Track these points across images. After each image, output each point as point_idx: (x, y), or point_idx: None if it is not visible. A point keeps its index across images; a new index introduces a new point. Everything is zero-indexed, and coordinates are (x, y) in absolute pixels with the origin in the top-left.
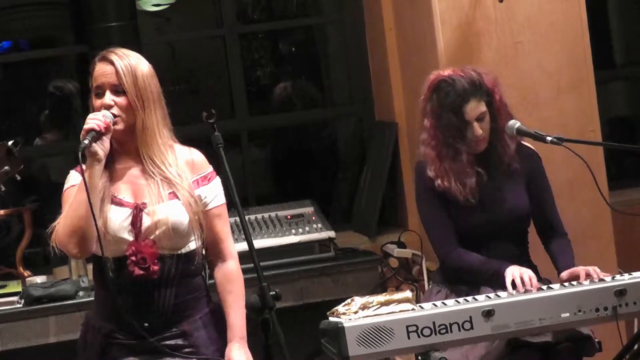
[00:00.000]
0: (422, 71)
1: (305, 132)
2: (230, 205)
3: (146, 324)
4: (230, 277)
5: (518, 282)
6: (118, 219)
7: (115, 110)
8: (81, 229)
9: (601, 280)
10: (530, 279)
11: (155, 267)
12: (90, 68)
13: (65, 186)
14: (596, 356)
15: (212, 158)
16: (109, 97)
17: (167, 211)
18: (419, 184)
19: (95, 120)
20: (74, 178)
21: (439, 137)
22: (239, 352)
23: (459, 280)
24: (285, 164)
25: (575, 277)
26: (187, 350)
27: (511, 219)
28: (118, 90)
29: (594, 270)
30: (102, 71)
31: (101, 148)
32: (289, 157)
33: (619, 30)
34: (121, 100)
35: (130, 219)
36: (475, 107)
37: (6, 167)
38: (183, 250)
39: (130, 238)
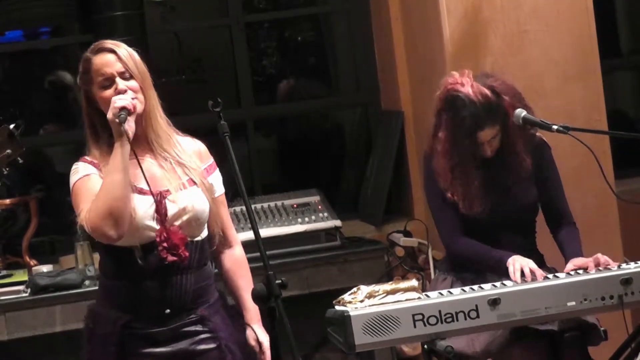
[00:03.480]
0: (428, 60)
1: (311, 121)
2: (237, 194)
3: (167, 311)
4: (240, 262)
5: (518, 275)
6: (142, 207)
7: (131, 94)
8: (117, 210)
9: (607, 268)
10: (532, 271)
11: (186, 253)
12: (83, 66)
13: (77, 177)
14: (602, 345)
15: (218, 147)
16: (122, 83)
17: (191, 198)
18: (427, 173)
19: (124, 99)
20: (84, 168)
21: (451, 155)
22: (264, 333)
23: (465, 269)
24: (291, 153)
25: (584, 268)
26: (205, 336)
27: (519, 211)
28: (125, 76)
29: (604, 259)
30: (105, 61)
31: (130, 128)
32: (295, 146)
33: (625, 19)
34: (132, 83)
35: (154, 206)
36: (489, 132)
37: (8, 150)
38: (200, 237)
39: (156, 225)
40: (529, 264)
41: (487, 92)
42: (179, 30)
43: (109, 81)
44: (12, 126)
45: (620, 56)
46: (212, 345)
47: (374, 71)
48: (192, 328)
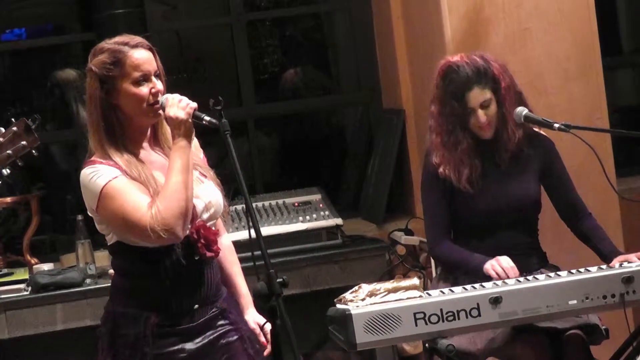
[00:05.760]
0: (430, 59)
1: (312, 119)
2: (238, 192)
3: (196, 306)
4: (230, 250)
5: (498, 271)
6: None
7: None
8: (188, 210)
9: (609, 267)
10: (505, 270)
11: (220, 249)
12: (114, 57)
13: (105, 179)
14: (604, 343)
15: (219, 145)
16: (159, 84)
17: (211, 193)
18: (425, 172)
19: (190, 101)
20: (109, 171)
21: (442, 125)
22: (260, 316)
23: None
24: (292, 152)
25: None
26: (228, 328)
27: (519, 207)
28: (157, 75)
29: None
30: (145, 58)
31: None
32: (296, 145)
33: (626, 17)
34: (160, 85)
35: None
36: (479, 95)
37: (24, 142)
38: None
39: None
40: (504, 261)
41: (475, 57)
42: (180, 28)
43: (146, 77)
44: (29, 120)
45: (622, 54)
46: (234, 337)
47: (375, 70)
48: (215, 321)
